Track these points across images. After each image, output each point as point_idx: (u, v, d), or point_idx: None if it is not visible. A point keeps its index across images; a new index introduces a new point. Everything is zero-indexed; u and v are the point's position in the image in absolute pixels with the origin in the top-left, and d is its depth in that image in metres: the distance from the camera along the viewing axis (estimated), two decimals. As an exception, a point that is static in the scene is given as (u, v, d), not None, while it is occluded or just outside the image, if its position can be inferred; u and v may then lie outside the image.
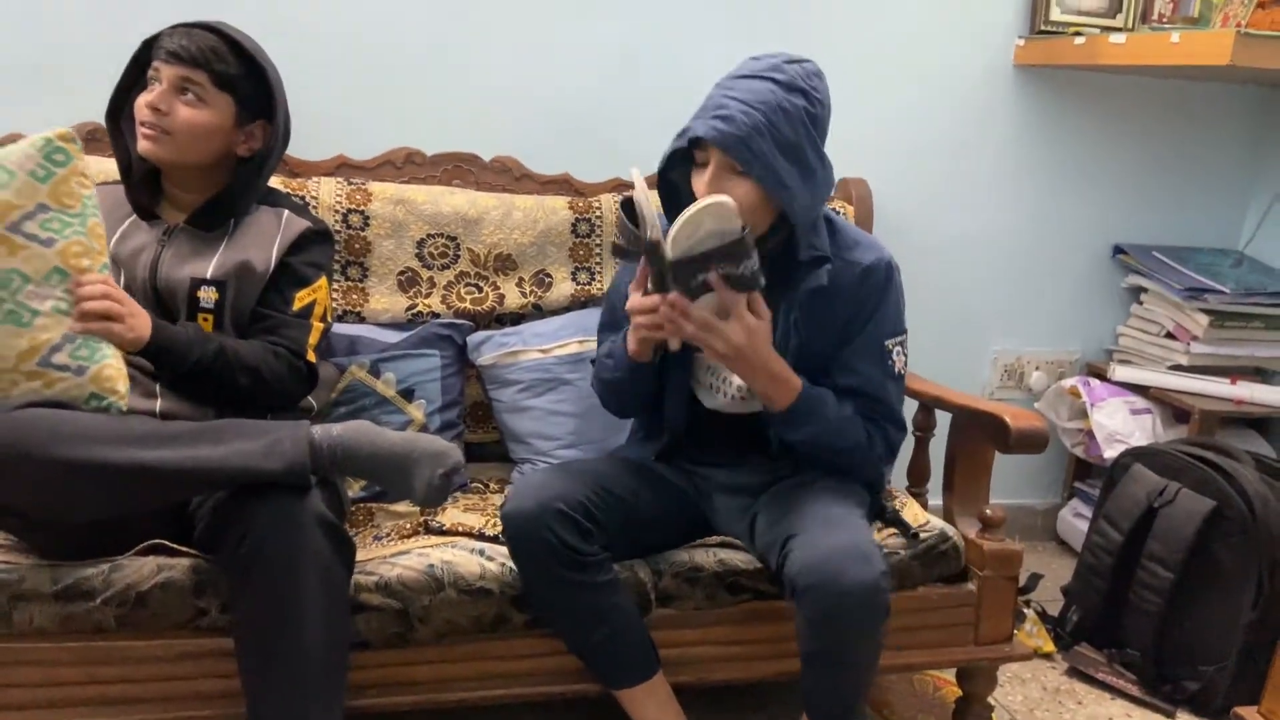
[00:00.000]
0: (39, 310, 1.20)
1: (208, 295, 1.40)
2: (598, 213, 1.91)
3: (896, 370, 1.47)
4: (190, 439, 1.22)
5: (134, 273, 1.42)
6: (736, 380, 1.45)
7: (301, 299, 1.45)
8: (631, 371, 1.44)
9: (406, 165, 1.90)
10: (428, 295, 1.82)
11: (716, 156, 1.32)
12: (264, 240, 1.46)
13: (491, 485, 1.76)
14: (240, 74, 1.42)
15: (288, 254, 1.46)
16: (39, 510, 1.20)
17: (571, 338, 1.81)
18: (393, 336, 1.76)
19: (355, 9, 1.89)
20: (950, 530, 1.57)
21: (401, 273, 1.82)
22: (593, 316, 1.83)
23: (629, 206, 1.28)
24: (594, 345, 1.75)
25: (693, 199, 1.32)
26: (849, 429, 1.43)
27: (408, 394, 1.72)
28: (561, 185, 1.96)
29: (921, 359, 1.88)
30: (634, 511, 1.44)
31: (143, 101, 1.40)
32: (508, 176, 1.94)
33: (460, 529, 1.50)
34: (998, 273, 2.30)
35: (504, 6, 1.95)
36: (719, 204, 1.24)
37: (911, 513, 1.61)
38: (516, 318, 1.86)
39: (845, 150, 1.87)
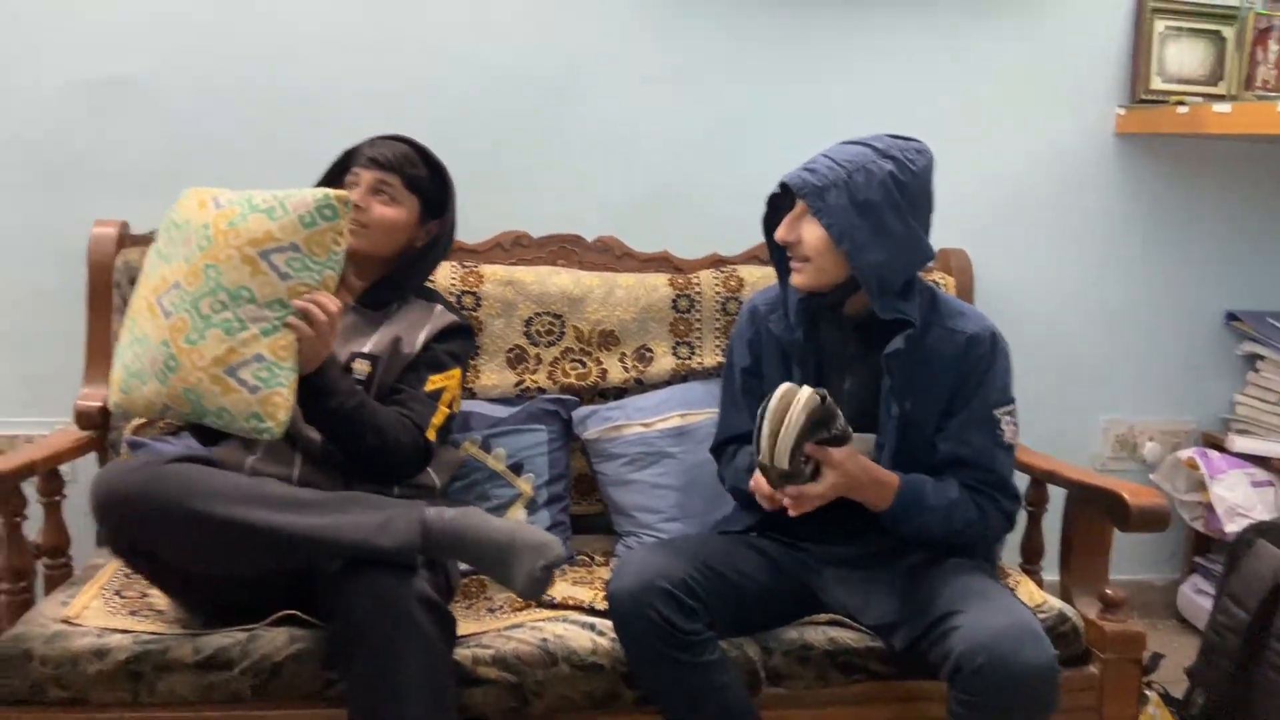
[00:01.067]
0: (249, 327, 1.32)
1: (361, 367, 1.51)
2: (697, 289, 1.95)
3: (1006, 440, 1.46)
4: (315, 507, 1.30)
5: None
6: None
7: (435, 382, 1.54)
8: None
9: (514, 247, 1.98)
10: (534, 371, 1.88)
11: (800, 203, 1.41)
12: (416, 326, 1.58)
13: (597, 558, 1.78)
14: (426, 177, 1.58)
15: (432, 340, 1.56)
16: (174, 559, 1.29)
17: (673, 411, 1.83)
18: (502, 412, 1.82)
19: (465, 105, 1.99)
20: (1069, 611, 1.53)
21: (510, 350, 1.88)
22: (693, 390, 1.87)
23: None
24: (695, 419, 1.79)
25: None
26: (958, 511, 1.42)
27: (517, 468, 1.77)
28: (661, 262, 2.01)
29: (1030, 430, 1.84)
30: (739, 587, 1.44)
31: None
32: (610, 255, 2.01)
33: (570, 602, 1.52)
34: (1105, 341, 2.26)
35: (602, 92, 2.03)
36: (785, 391, 1.32)
37: (1026, 592, 1.58)
38: (619, 392, 1.90)
39: (944, 221, 1.89)
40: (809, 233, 1.41)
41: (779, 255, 1.51)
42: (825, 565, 1.53)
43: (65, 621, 1.37)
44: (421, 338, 1.56)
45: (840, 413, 1.35)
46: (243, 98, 1.91)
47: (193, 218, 1.36)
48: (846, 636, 1.47)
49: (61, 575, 1.60)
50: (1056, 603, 1.55)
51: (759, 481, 1.41)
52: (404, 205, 1.57)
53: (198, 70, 1.89)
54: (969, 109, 2.14)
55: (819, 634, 1.47)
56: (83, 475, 1.70)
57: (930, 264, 1.48)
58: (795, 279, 1.46)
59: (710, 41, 2.06)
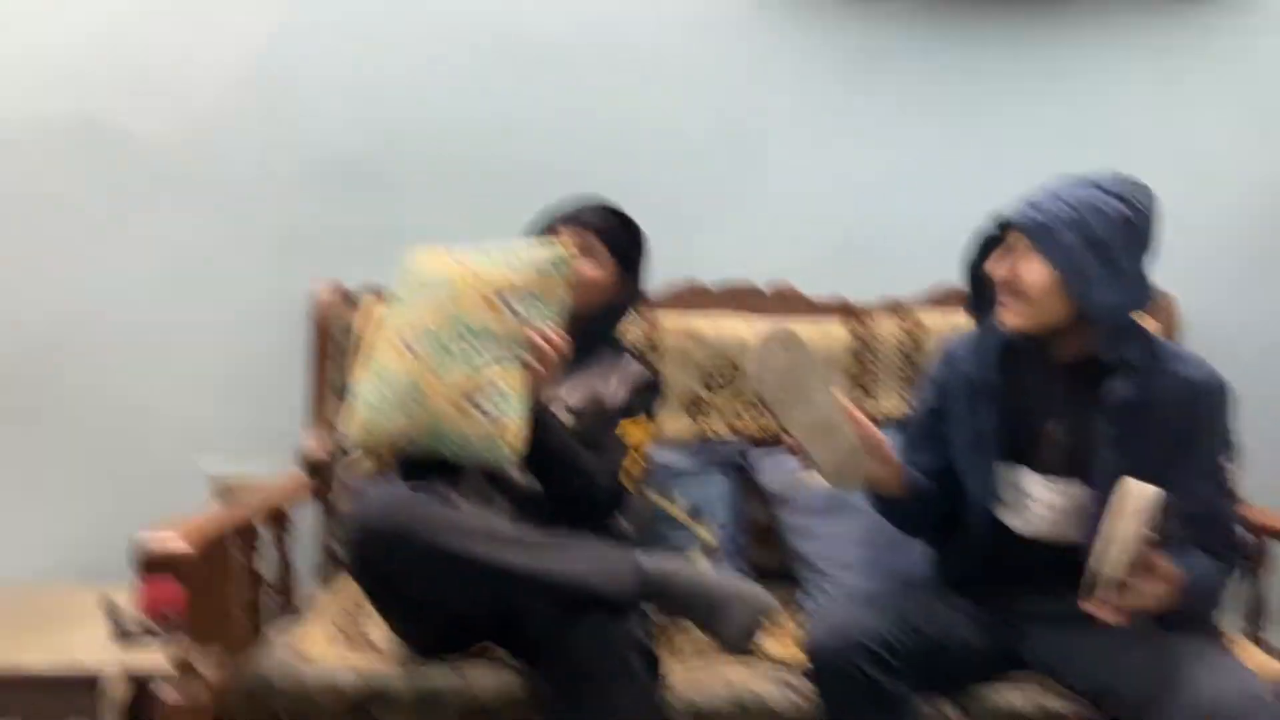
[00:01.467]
0: (487, 359, 1.45)
1: (566, 419, 1.59)
2: (876, 335, 1.94)
3: (1229, 487, 1.40)
4: (539, 547, 1.37)
5: None
6: (1045, 496, 1.41)
7: (626, 430, 1.60)
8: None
9: (691, 296, 2.02)
10: (712, 419, 1.91)
11: (1022, 241, 1.37)
12: (606, 376, 1.65)
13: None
14: (625, 240, 1.69)
15: (629, 393, 1.63)
16: (417, 592, 1.38)
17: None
18: (682, 459, 1.86)
19: (640, 156, 2.05)
20: (1304, 682, 1.41)
21: (689, 398, 1.92)
22: None
23: None
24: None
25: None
26: (1209, 581, 1.35)
27: (697, 514, 1.81)
28: (837, 309, 2.01)
29: (1254, 483, 1.73)
30: (938, 643, 1.40)
31: None
32: (785, 303, 2.02)
33: (758, 653, 1.53)
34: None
35: (776, 139, 2.06)
36: (1130, 489, 1.23)
37: (1251, 658, 1.46)
38: (798, 439, 1.90)
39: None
40: (1031, 272, 1.36)
41: (978, 292, 1.49)
42: (1028, 622, 1.47)
43: (298, 654, 1.49)
44: (619, 391, 1.63)
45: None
46: (443, 171, 2.04)
47: (433, 270, 1.51)
48: (1052, 701, 1.40)
49: (286, 607, 1.75)
50: (1286, 671, 1.43)
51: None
52: (605, 266, 1.66)
53: (404, 148, 2.04)
54: (1184, 140, 2.02)
55: (1021, 697, 1.41)
56: (299, 514, 1.85)
57: (1147, 305, 1.42)
58: (1007, 318, 1.41)
59: (886, 92, 2.05)
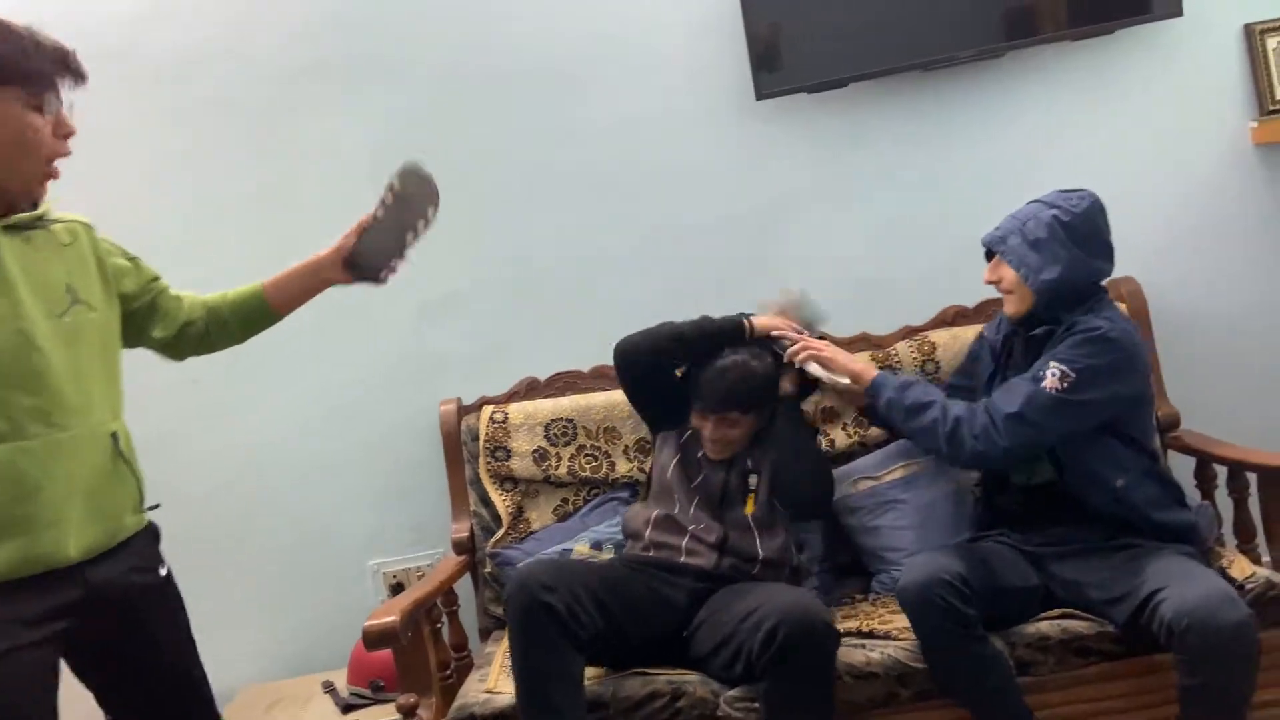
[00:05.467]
0: None
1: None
2: (895, 359, 2.33)
3: (1045, 385, 1.77)
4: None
5: None
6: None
7: None
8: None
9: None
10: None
11: (994, 253, 1.93)
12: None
13: (857, 596, 2.15)
14: (750, 399, 2.02)
15: None
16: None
17: (896, 463, 2.20)
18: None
19: (680, 247, 2.46)
20: (1276, 577, 1.76)
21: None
22: (905, 444, 2.17)
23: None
24: (915, 468, 2.15)
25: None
26: (923, 412, 1.89)
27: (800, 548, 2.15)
28: (862, 341, 2.40)
29: (1240, 429, 2.12)
30: (998, 583, 1.78)
31: None
32: (818, 344, 2.43)
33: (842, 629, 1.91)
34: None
35: (789, 211, 2.46)
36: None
37: (1240, 568, 1.81)
38: (846, 456, 2.28)
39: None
40: (1005, 272, 1.89)
41: None
42: (1055, 559, 1.85)
43: (489, 692, 1.92)
44: None
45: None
46: (534, 300, 2.48)
47: None
48: (1077, 625, 1.77)
49: (466, 664, 2.20)
50: (1265, 573, 1.78)
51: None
52: (745, 424, 2.02)
53: (506, 278, 2.47)
54: (1119, 148, 2.39)
55: (1053, 626, 1.79)
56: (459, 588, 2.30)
57: (1096, 278, 1.87)
58: (1006, 309, 1.94)
59: (870, 159, 2.44)
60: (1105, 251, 1.88)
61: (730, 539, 1.97)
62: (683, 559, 1.96)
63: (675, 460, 2.07)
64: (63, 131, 1.40)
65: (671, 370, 2.09)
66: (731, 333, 2.02)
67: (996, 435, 1.79)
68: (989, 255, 1.95)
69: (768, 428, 2.05)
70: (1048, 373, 1.78)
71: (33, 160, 1.38)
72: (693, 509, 2.00)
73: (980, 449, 1.81)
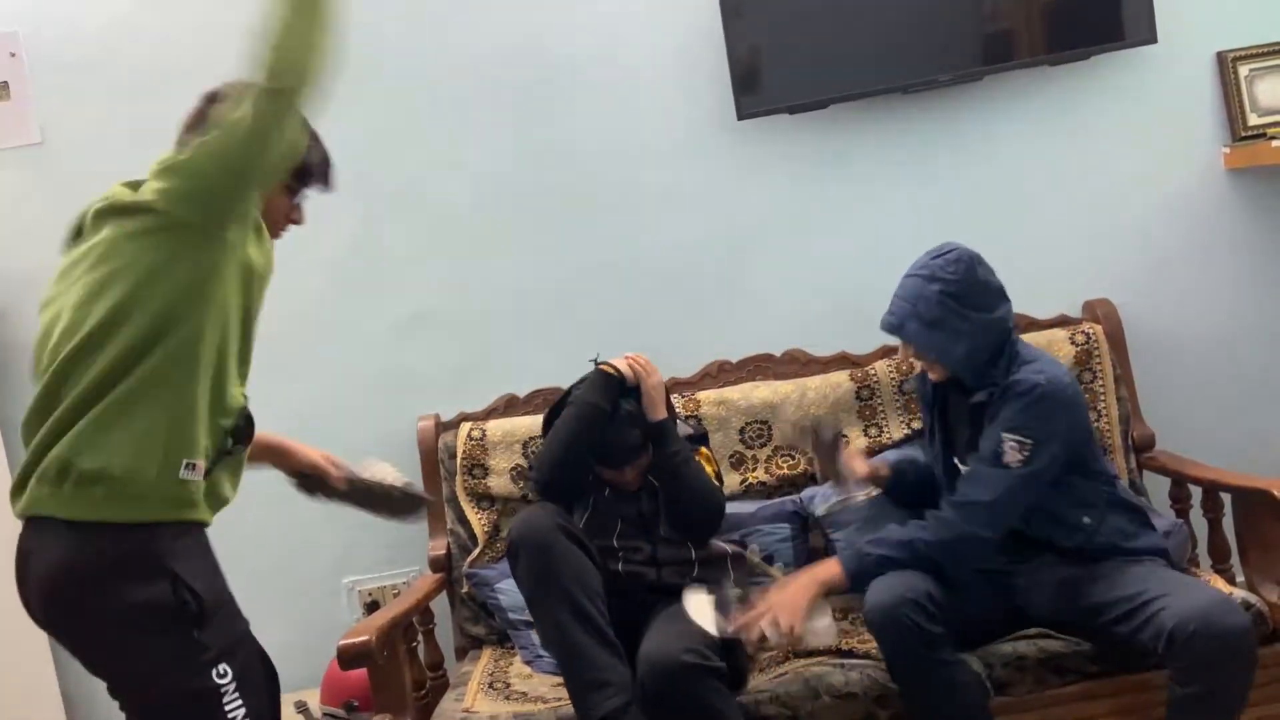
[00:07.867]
0: None
1: None
2: (874, 378, 2.34)
3: (1005, 460, 1.75)
4: None
5: None
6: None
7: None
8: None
9: (720, 373, 2.45)
10: (754, 469, 2.32)
11: None
12: None
13: (836, 614, 2.14)
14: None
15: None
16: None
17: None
18: (745, 507, 2.24)
19: (659, 271, 2.48)
20: (1253, 598, 1.77)
21: (731, 455, 2.34)
22: (888, 458, 2.19)
23: None
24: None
25: None
26: (907, 545, 1.79)
27: (769, 560, 2.18)
28: (841, 361, 2.42)
29: (1215, 449, 2.15)
30: (962, 603, 1.77)
31: None
32: (797, 364, 2.43)
33: (819, 648, 1.90)
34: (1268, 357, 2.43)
35: (768, 233, 2.48)
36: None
37: (1216, 585, 1.83)
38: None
39: (1088, 275, 2.32)
40: (912, 354, 1.90)
41: None
42: (1030, 579, 1.84)
43: (466, 711, 1.90)
44: None
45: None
46: (514, 317, 2.47)
47: None
48: (1054, 645, 1.78)
49: (442, 684, 2.17)
50: (1241, 592, 1.80)
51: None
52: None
53: (486, 294, 2.47)
54: (1095, 171, 2.42)
55: (1029, 645, 1.79)
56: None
57: (1004, 334, 1.84)
58: (930, 375, 1.93)
59: (850, 182, 2.46)
60: (999, 296, 1.84)
61: (660, 552, 2.04)
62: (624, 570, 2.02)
63: (586, 516, 2.08)
64: (295, 218, 1.59)
65: (591, 464, 2.08)
66: (614, 389, 2.04)
67: (979, 527, 1.77)
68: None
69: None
70: (1005, 447, 1.76)
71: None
72: (616, 538, 2.05)
73: (973, 549, 1.79)
